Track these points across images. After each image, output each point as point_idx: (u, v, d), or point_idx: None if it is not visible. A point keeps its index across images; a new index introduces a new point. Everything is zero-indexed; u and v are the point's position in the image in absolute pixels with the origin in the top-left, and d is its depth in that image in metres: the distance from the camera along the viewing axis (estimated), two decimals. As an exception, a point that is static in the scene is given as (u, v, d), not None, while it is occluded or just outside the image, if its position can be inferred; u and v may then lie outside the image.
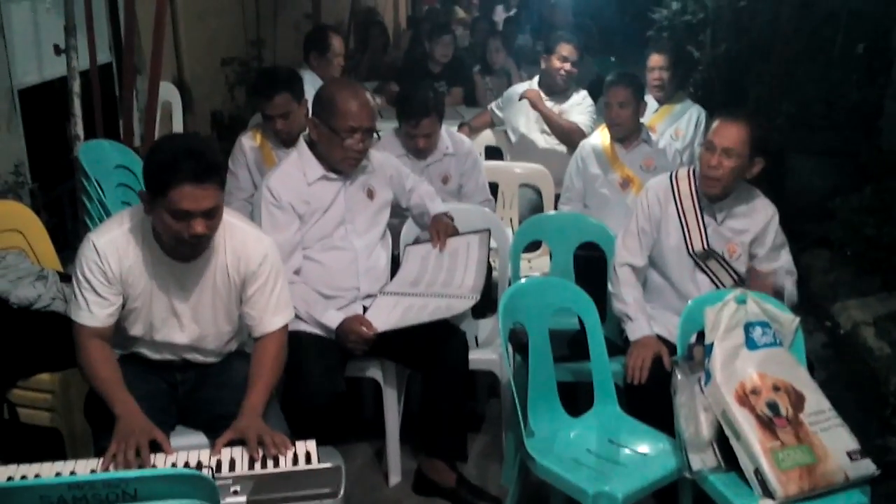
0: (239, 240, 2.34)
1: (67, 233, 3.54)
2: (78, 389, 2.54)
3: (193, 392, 2.45)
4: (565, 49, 4.43)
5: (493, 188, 3.94)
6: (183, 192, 2.10)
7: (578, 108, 4.52)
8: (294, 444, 2.15)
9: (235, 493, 1.89)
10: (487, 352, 3.11)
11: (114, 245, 2.26)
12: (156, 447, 2.12)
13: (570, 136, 4.31)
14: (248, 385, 2.31)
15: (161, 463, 2.10)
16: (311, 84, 3.87)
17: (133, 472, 1.61)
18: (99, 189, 3.09)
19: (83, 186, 3.16)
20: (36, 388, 2.66)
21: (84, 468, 2.04)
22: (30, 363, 2.61)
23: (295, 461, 2.08)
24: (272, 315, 2.40)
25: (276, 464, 2.08)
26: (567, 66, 4.44)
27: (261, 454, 2.10)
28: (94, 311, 2.26)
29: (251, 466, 2.07)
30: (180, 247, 2.23)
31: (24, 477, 2.00)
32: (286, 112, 3.43)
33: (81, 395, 2.48)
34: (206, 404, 2.38)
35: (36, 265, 2.84)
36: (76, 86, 3.37)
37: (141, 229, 2.27)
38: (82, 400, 2.44)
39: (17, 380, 2.67)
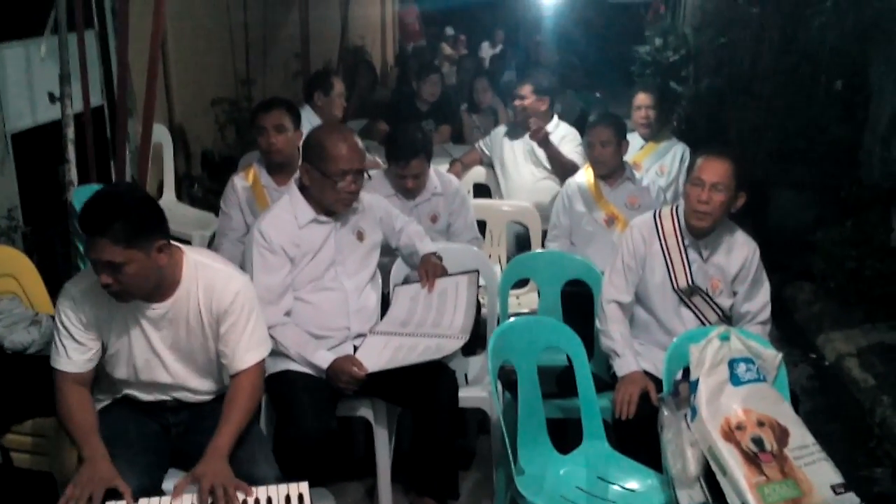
0: (210, 278, 2.37)
1: (60, 274, 3.55)
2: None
3: (187, 434, 2.47)
4: (524, 89, 4.63)
5: (482, 225, 4.00)
6: (87, 241, 2.17)
7: (567, 140, 4.62)
8: (253, 491, 2.16)
9: (229, 536, 1.92)
10: (477, 389, 3.13)
11: (89, 292, 2.31)
12: (117, 495, 2.13)
13: (570, 173, 4.39)
14: (218, 425, 2.31)
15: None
16: (311, 123, 3.97)
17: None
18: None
19: (77, 231, 3.19)
20: (29, 433, 2.67)
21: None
22: (24, 408, 2.62)
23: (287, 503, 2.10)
24: (245, 352, 2.41)
25: (270, 507, 2.10)
26: (525, 102, 4.61)
27: None
28: (72, 357, 2.32)
29: (245, 510, 2.09)
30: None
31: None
32: (280, 124, 3.52)
33: (75, 440, 2.51)
34: (199, 446, 2.38)
35: (29, 310, 2.86)
36: (70, 132, 3.41)
37: None
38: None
39: (11, 424, 2.68)
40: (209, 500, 2.11)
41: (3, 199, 3.49)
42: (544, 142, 4.48)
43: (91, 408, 2.34)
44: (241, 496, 2.13)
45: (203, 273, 2.37)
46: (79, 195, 3.29)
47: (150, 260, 2.22)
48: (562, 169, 4.49)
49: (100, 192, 2.23)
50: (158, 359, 2.40)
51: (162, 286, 2.31)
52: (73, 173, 3.45)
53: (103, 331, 2.35)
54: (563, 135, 4.66)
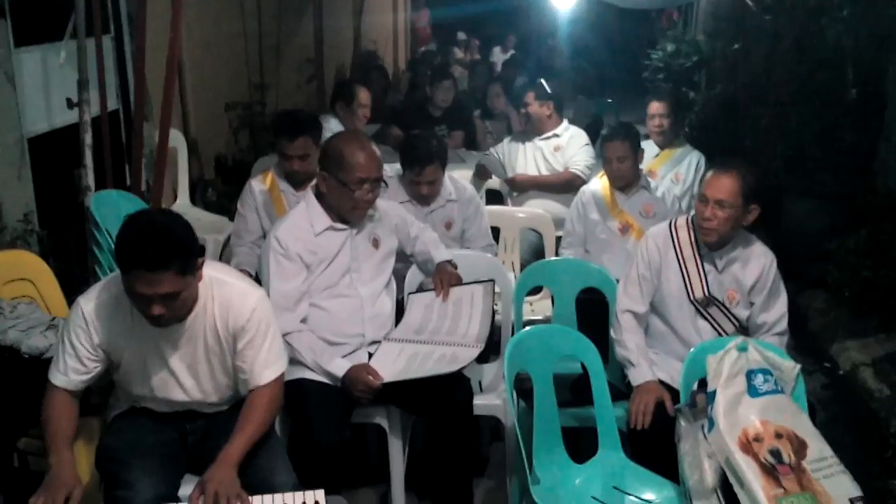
0: (226, 295, 2.35)
1: (75, 278, 3.57)
2: (87, 438, 2.57)
3: (203, 441, 2.47)
4: (528, 97, 4.81)
5: (495, 232, 4.00)
6: (138, 277, 2.10)
7: (574, 142, 4.72)
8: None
9: (247, 544, 1.92)
10: (491, 397, 3.13)
11: (101, 311, 2.29)
12: None
13: (571, 186, 4.45)
14: (232, 434, 2.31)
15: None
16: (333, 131, 3.99)
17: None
18: (109, 238, 3.14)
19: (93, 235, 3.21)
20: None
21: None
22: (40, 412, 2.63)
23: (305, 511, 2.11)
24: (262, 368, 2.40)
25: (286, 514, 2.10)
26: (530, 110, 4.79)
27: None
28: (70, 377, 2.32)
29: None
30: (146, 319, 2.23)
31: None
32: (305, 154, 3.54)
33: (91, 444, 2.52)
34: (215, 453, 2.38)
35: (46, 314, 2.87)
36: (88, 137, 3.43)
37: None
38: (91, 449, 2.47)
39: (29, 428, 2.70)
40: None
41: (20, 202, 3.51)
42: (528, 180, 4.71)
43: (72, 418, 2.33)
44: None
45: (218, 290, 2.35)
46: (96, 201, 3.31)
47: (195, 282, 2.23)
48: (559, 187, 4.64)
49: (144, 224, 2.15)
50: (174, 377, 2.39)
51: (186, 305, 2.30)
52: (90, 178, 3.47)
53: (116, 349, 2.33)
54: (572, 135, 4.77)
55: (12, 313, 2.73)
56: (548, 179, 4.69)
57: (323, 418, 2.71)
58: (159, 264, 2.09)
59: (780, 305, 2.94)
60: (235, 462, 2.24)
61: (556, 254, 4.02)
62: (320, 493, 2.17)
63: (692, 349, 2.72)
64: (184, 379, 2.40)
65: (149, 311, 2.17)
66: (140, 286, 2.11)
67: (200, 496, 2.13)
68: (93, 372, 2.34)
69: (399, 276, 3.25)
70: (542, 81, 4.88)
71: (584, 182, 4.23)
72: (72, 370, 2.31)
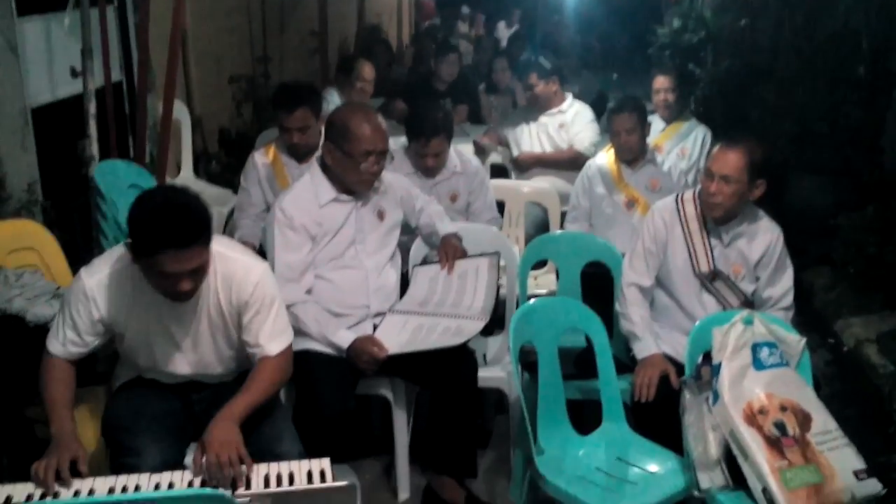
0: (229, 270, 2.34)
1: (79, 248, 3.56)
2: (93, 407, 2.57)
3: (209, 410, 2.46)
4: (531, 78, 4.78)
5: (500, 206, 3.99)
6: (168, 257, 2.09)
7: (580, 118, 4.71)
8: (254, 467, 2.14)
9: (253, 511, 1.93)
10: (496, 370, 3.14)
11: (103, 286, 2.28)
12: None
13: (575, 163, 4.44)
14: (236, 394, 2.30)
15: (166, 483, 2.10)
16: (336, 105, 3.98)
17: (157, 493, 1.64)
18: (114, 208, 3.14)
19: (98, 206, 3.20)
20: (52, 405, 2.68)
21: (102, 486, 2.07)
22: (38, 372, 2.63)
23: (310, 479, 2.10)
24: (269, 341, 2.40)
25: (292, 482, 2.10)
26: (536, 91, 4.78)
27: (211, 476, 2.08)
28: (68, 349, 2.32)
29: (266, 485, 2.09)
30: (167, 297, 2.24)
31: (43, 494, 2.03)
32: (304, 126, 3.53)
33: (96, 413, 2.52)
34: (221, 423, 2.41)
35: (51, 283, 2.87)
36: (92, 107, 3.41)
37: (132, 268, 2.24)
38: (97, 417, 2.48)
39: (35, 396, 2.70)
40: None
41: (24, 173, 3.49)
42: (531, 157, 4.73)
43: (70, 384, 2.33)
44: (243, 468, 2.11)
45: (222, 265, 2.33)
46: (100, 170, 3.30)
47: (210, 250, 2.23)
48: (564, 163, 4.64)
49: (162, 205, 2.13)
50: (178, 351, 2.39)
51: None
52: (94, 148, 3.45)
53: (119, 324, 2.33)
54: (577, 111, 4.77)
55: (17, 282, 2.72)
56: (551, 157, 4.69)
57: (328, 389, 2.72)
58: (189, 240, 2.09)
59: (786, 280, 2.93)
60: (237, 418, 2.22)
61: (562, 228, 4.01)
62: (326, 462, 2.17)
63: (697, 322, 2.71)
64: (188, 353, 2.40)
65: (177, 288, 2.16)
66: (170, 265, 2.10)
67: (203, 455, 2.12)
68: (90, 346, 2.34)
69: (404, 249, 3.24)
70: (542, 59, 4.85)
71: (587, 159, 4.21)
72: (70, 342, 2.31)
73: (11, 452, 2.74)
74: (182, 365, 2.41)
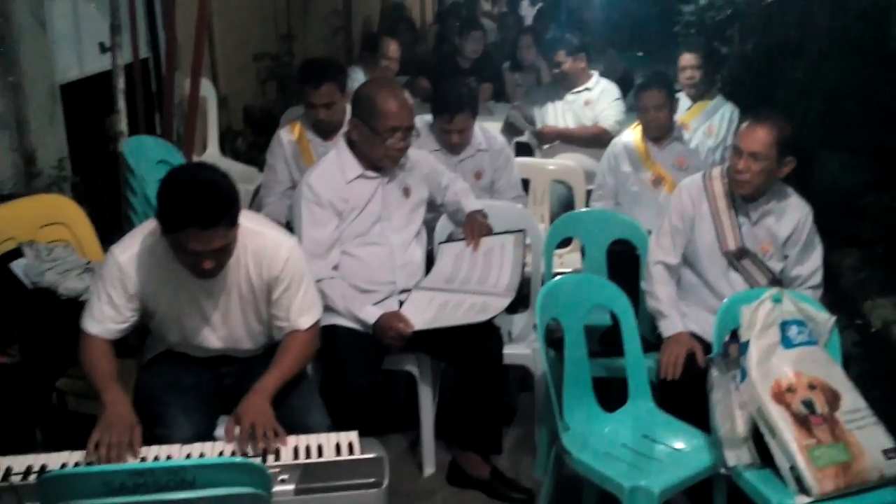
0: (259, 246, 2.36)
1: (107, 224, 3.60)
2: (124, 380, 2.60)
3: (238, 383, 2.50)
4: (559, 56, 4.72)
5: (525, 184, 3.98)
6: (191, 235, 2.11)
7: (605, 96, 4.70)
8: (287, 440, 2.16)
9: (283, 481, 1.96)
10: (520, 347, 3.14)
11: (135, 261, 2.30)
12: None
13: (599, 140, 4.42)
14: (269, 368, 2.33)
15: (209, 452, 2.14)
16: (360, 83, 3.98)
17: (192, 461, 1.67)
18: (143, 184, 3.16)
19: (127, 181, 3.23)
20: (83, 377, 2.71)
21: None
22: (79, 359, 2.67)
23: (338, 451, 2.13)
24: (298, 316, 2.42)
25: (320, 454, 2.12)
26: (564, 68, 4.73)
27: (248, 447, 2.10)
28: (106, 325, 2.33)
29: (296, 456, 2.12)
30: (193, 274, 2.26)
31: (77, 464, 2.07)
32: (330, 102, 3.53)
33: (127, 386, 2.55)
34: (250, 395, 2.44)
35: (82, 258, 2.90)
36: (121, 82, 3.43)
37: (163, 244, 2.26)
38: (127, 390, 2.51)
39: (66, 369, 2.75)
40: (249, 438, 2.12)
41: (53, 149, 3.52)
42: (554, 131, 4.70)
43: (113, 359, 2.35)
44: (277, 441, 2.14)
45: (251, 240, 2.35)
46: (129, 146, 3.33)
47: (237, 230, 2.24)
48: (588, 140, 4.62)
49: (189, 182, 2.15)
50: (209, 326, 2.41)
51: None
52: (122, 123, 3.48)
53: (151, 299, 2.35)
54: (603, 88, 4.75)
55: (49, 256, 2.76)
56: (575, 132, 4.66)
57: (354, 364, 2.74)
58: (213, 221, 2.11)
59: (815, 259, 2.91)
60: (269, 393, 2.25)
61: (587, 207, 3.99)
62: (354, 435, 2.19)
63: (725, 300, 2.70)
64: (218, 327, 2.42)
65: (200, 267, 2.19)
66: (193, 244, 2.13)
67: (236, 426, 2.15)
68: (129, 321, 2.36)
69: (429, 226, 3.25)
70: (569, 35, 4.81)
71: (612, 137, 4.19)
72: (108, 319, 2.33)
73: (44, 424, 2.79)
74: (212, 339, 2.43)
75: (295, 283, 2.40)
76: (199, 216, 2.09)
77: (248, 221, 2.36)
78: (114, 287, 2.31)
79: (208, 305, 2.38)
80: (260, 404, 2.20)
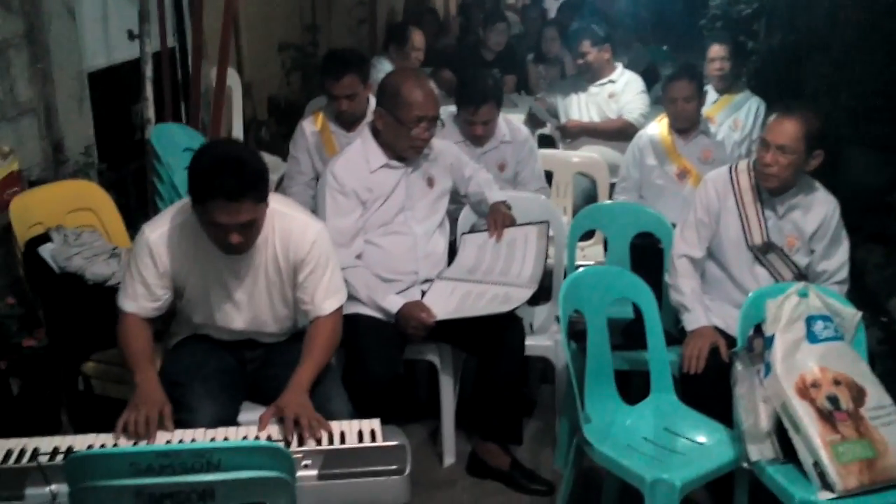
0: (287, 228, 2.38)
1: (133, 212, 3.63)
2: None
3: (261, 369, 2.53)
4: (584, 46, 4.68)
5: (548, 176, 3.97)
6: (217, 206, 2.14)
7: (630, 88, 4.66)
8: (331, 426, 2.17)
9: (306, 466, 1.96)
10: (542, 338, 3.14)
11: (165, 239, 2.33)
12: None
13: (623, 133, 4.39)
14: (299, 362, 2.35)
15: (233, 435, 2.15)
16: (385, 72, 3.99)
17: (218, 444, 1.68)
18: (169, 171, 3.18)
19: (154, 168, 3.25)
20: (108, 362, 2.76)
21: (159, 439, 2.12)
22: (104, 337, 2.69)
23: (360, 438, 2.13)
24: (323, 299, 2.43)
25: (343, 440, 2.13)
26: (589, 59, 4.68)
27: (295, 436, 2.11)
28: (141, 303, 2.36)
29: (319, 442, 2.13)
30: (220, 249, 2.29)
31: (102, 445, 2.09)
32: (352, 93, 3.53)
33: (152, 370, 2.58)
34: (273, 381, 2.43)
35: (109, 243, 2.93)
36: (149, 70, 3.46)
37: (192, 222, 2.30)
38: (153, 374, 2.54)
39: (92, 353, 2.78)
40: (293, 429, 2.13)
41: (81, 136, 3.55)
42: (577, 126, 4.66)
43: (149, 338, 2.38)
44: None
45: (280, 221, 2.37)
46: (156, 133, 3.35)
47: (266, 209, 2.26)
48: (612, 133, 4.57)
49: (219, 155, 2.20)
50: (235, 307, 2.43)
51: None
52: (150, 111, 3.51)
53: (180, 276, 2.37)
54: (627, 81, 4.71)
55: (76, 241, 2.79)
56: (600, 126, 4.63)
57: (376, 353, 2.75)
58: (239, 194, 2.13)
59: (842, 254, 2.89)
60: (306, 388, 2.28)
61: (610, 200, 3.98)
62: (376, 422, 2.19)
63: (750, 294, 2.68)
64: (243, 308, 2.44)
65: (227, 240, 2.20)
66: (220, 216, 2.15)
67: (272, 417, 2.17)
68: (162, 299, 2.39)
69: (452, 217, 3.25)
70: (594, 26, 4.79)
71: (636, 130, 4.16)
72: (142, 297, 2.36)
73: (71, 407, 2.83)
74: (237, 320, 2.45)
75: (321, 266, 2.42)
76: (225, 188, 2.12)
77: (278, 204, 2.39)
78: (145, 265, 2.34)
79: (235, 285, 2.39)
80: (299, 398, 2.22)
